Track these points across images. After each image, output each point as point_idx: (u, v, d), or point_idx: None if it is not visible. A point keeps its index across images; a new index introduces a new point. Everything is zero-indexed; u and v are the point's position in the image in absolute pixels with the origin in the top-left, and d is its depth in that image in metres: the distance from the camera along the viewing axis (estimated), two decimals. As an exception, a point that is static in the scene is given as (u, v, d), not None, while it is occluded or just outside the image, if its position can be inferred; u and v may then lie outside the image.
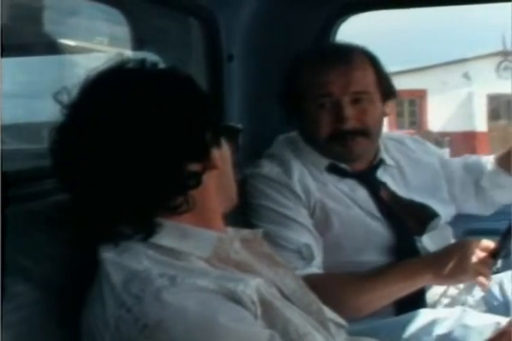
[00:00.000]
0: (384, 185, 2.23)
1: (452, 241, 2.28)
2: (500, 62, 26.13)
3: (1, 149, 1.41)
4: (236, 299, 1.24)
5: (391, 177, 2.26)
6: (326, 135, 2.14)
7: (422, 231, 2.18)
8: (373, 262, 2.09)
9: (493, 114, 26.93)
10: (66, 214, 1.39)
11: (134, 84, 1.36)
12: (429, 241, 2.17)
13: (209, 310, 1.20)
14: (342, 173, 2.18)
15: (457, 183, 2.38)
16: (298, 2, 2.60)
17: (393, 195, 2.22)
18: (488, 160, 2.41)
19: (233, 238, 1.44)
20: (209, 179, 1.39)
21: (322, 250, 2.08)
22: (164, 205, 1.33)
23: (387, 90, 2.23)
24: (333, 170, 2.18)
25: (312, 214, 2.10)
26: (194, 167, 1.35)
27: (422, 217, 2.21)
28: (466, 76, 25.83)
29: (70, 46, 2.88)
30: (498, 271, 2.07)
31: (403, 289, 1.98)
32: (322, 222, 2.10)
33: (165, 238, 1.33)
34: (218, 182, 1.43)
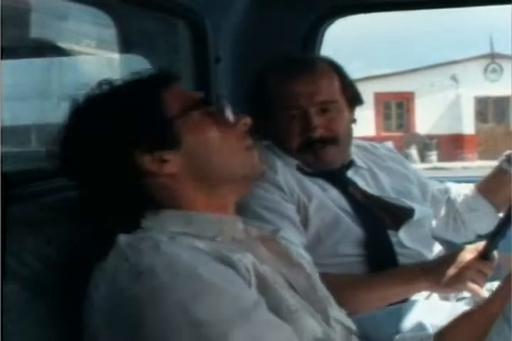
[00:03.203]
0: (354, 184, 2.26)
1: (430, 237, 2.32)
2: (488, 65, 26.27)
3: (1, 150, 1.41)
4: (230, 264, 1.29)
5: (362, 178, 2.29)
6: (296, 144, 2.19)
7: (398, 226, 2.20)
8: (350, 254, 2.12)
9: (481, 117, 27.05)
10: (53, 214, 1.43)
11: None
12: (407, 237, 2.19)
13: (198, 262, 1.26)
14: (312, 174, 2.22)
15: (434, 206, 2.43)
16: (286, 4, 2.60)
17: (364, 194, 2.25)
18: (468, 186, 2.48)
19: (235, 219, 1.47)
20: (182, 175, 1.43)
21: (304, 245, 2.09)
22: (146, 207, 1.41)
23: (353, 98, 2.27)
24: (302, 170, 2.22)
25: (298, 210, 2.12)
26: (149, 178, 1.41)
27: (396, 212, 2.24)
28: (454, 78, 25.94)
29: (57, 49, 2.87)
30: None
31: (399, 294, 1.99)
32: (303, 218, 2.13)
33: (172, 225, 1.39)
34: (195, 172, 1.43)
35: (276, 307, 1.31)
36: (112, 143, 1.39)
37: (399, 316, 1.94)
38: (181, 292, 1.22)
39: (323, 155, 2.19)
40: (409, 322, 1.92)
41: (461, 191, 2.47)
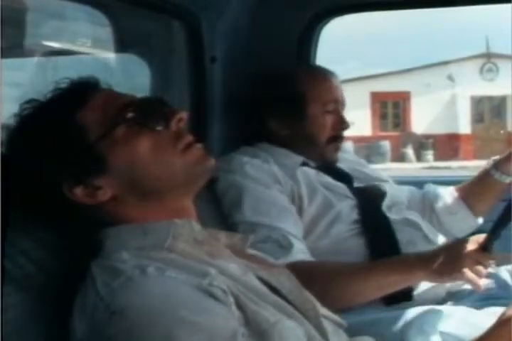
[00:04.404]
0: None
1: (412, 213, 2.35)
2: (484, 64, 26.28)
3: (1, 148, 1.40)
4: (206, 290, 1.25)
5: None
6: (325, 138, 2.28)
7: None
8: (344, 232, 2.17)
9: (477, 116, 27.06)
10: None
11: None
12: (389, 211, 2.26)
13: (173, 300, 1.22)
14: (315, 168, 2.29)
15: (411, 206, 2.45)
16: (281, 4, 2.60)
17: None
18: (449, 189, 2.49)
19: (190, 220, 1.42)
20: (122, 196, 1.38)
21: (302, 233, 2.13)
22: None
23: None
24: (307, 165, 2.28)
25: (292, 202, 2.16)
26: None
27: (374, 192, 2.32)
28: (450, 78, 25.94)
29: (52, 48, 2.87)
30: None
31: (396, 283, 1.97)
32: (297, 208, 2.16)
33: (131, 240, 1.35)
34: (134, 189, 1.39)
35: (256, 322, 1.28)
36: (38, 180, 1.36)
37: (404, 323, 1.94)
38: (154, 331, 1.19)
39: (338, 152, 2.34)
40: (415, 330, 1.92)
41: (441, 193, 2.48)
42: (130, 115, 1.37)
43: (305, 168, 2.25)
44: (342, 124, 2.29)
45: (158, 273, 1.25)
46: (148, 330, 1.19)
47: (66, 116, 1.37)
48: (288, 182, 2.18)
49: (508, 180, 2.31)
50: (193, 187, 1.45)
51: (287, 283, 1.46)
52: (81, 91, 1.40)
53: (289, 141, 2.29)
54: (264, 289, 1.37)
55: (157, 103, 1.44)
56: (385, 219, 2.22)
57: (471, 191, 2.42)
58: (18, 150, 1.39)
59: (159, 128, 1.38)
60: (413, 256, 2.03)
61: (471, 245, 1.88)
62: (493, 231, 1.89)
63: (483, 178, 2.37)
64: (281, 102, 2.29)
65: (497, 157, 2.35)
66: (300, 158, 2.27)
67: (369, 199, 2.26)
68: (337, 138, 2.30)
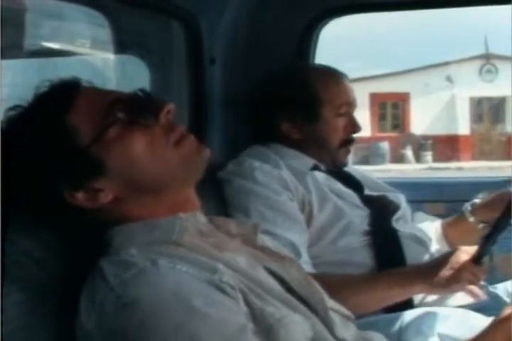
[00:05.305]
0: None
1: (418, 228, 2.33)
2: (483, 65, 26.31)
3: (1, 148, 1.40)
4: (216, 284, 1.26)
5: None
6: (337, 141, 2.25)
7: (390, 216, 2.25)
8: (354, 243, 2.15)
9: (476, 117, 27.09)
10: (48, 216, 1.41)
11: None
12: (400, 224, 2.23)
13: (185, 292, 1.23)
14: (326, 172, 2.27)
15: None
16: (280, 5, 2.60)
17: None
18: (434, 223, 2.45)
19: (194, 213, 1.42)
20: (124, 195, 1.38)
21: (307, 243, 2.11)
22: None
23: None
24: (317, 169, 2.26)
25: (302, 209, 2.14)
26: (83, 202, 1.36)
27: (385, 203, 2.29)
28: (449, 79, 25.97)
29: (51, 48, 2.87)
30: None
31: (397, 295, 1.98)
32: (308, 214, 2.14)
33: (139, 236, 1.36)
34: (135, 188, 1.38)
35: (263, 317, 1.29)
36: (38, 189, 1.35)
37: (402, 324, 1.94)
38: (166, 321, 1.20)
39: (348, 156, 2.32)
40: (413, 331, 1.92)
41: (427, 229, 2.42)
42: (120, 115, 1.36)
43: (315, 173, 2.23)
44: (354, 127, 2.26)
45: (170, 266, 1.26)
46: (161, 321, 1.20)
47: (55, 121, 1.35)
48: (298, 188, 2.15)
49: (482, 226, 2.26)
50: (192, 178, 1.44)
51: (297, 274, 1.47)
52: (64, 93, 1.38)
53: (301, 145, 2.26)
54: (271, 282, 1.38)
55: (144, 98, 1.42)
56: (395, 232, 2.19)
57: (451, 232, 2.40)
58: (13, 158, 1.36)
59: (150, 124, 1.37)
60: (413, 269, 2.03)
61: (465, 255, 1.88)
62: (484, 245, 1.88)
63: (461, 222, 2.35)
64: (294, 105, 2.25)
65: (475, 200, 2.31)
66: (311, 161, 2.24)
67: (381, 211, 2.24)
68: (348, 142, 2.27)
